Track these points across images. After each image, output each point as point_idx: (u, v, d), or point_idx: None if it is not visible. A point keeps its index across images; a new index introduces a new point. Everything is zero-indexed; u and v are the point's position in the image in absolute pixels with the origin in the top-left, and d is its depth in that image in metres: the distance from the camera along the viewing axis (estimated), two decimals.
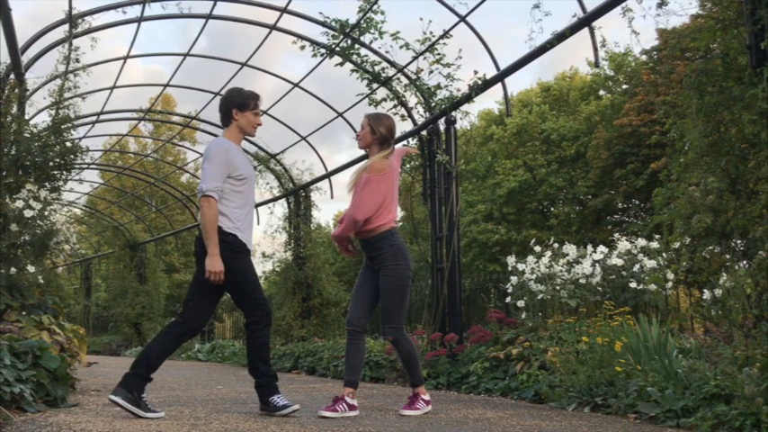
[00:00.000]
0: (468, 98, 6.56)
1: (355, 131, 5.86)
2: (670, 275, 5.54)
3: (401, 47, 6.70)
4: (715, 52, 3.94)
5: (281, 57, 46.06)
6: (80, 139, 9.65)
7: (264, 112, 10.07)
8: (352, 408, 3.72)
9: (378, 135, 3.97)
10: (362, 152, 4.70)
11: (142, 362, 3.65)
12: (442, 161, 6.67)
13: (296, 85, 9.09)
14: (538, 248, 6.06)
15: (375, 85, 7.30)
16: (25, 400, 3.69)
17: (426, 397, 3.91)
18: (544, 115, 23.75)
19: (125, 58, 8.49)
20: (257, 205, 12.74)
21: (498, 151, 24.25)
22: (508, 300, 6.10)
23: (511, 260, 6.14)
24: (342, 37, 6.93)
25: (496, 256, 22.13)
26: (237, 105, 3.86)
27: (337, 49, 7.10)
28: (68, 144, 6.02)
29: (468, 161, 7.01)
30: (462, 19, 6.41)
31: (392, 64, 7.07)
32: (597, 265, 5.72)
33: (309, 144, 10.42)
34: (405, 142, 7.41)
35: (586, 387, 4.07)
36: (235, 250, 3.70)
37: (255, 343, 3.76)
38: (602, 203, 20.82)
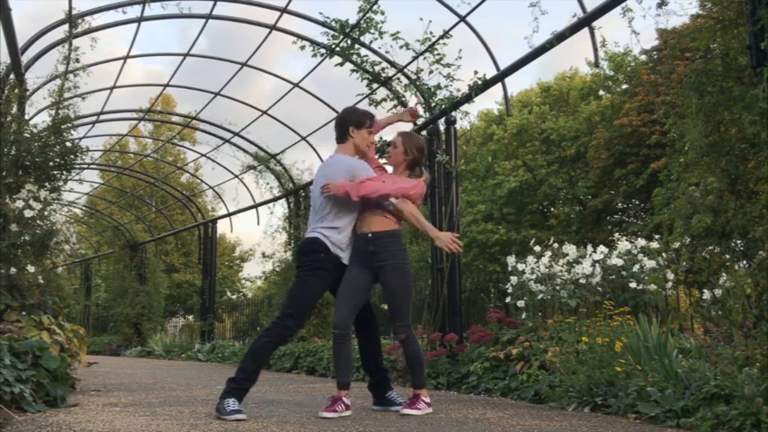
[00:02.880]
0: (467, 98, 6.56)
1: None
2: (670, 275, 5.54)
3: (401, 47, 6.71)
4: (715, 52, 3.95)
5: (281, 57, 46.10)
6: (80, 139, 9.66)
7: (264, 113, 10.08)
8: (347, 407, 3.80)
9: (410, 156, 4.02)
10: None
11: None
12: (441, 161, 6.66)
13: (296, 85, 9.09)
14: (538, 248, 6.05)
15: (375, 85, 7.30)
16: (25, 400, 3.69)
17: (428, 399, 3.92)
18: (544, 115, 23.73)
19: (125, 58, 8.50)
20: (257, 205, 12.76)
21: (498, 151, 24.24)
22: (508, 300, 6.09)
23: (511, 260, 6.14)
24: (342, 37, 6.93)
25: (496, 256, 22.12)
26: (355, 123, 4.01)
27: (337, 49, 7.09)
28: (68, 144, 6.01)
29: (468, 161, 7.01)
30: (462, 19, 6.41)
31: (392, 64, 7.07)
32: (597, 265, 5.71)
33: (309, 144, 10.42)
34: None
35: (586, 387, 4.06)
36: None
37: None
38: (602, 203, 20.82)
